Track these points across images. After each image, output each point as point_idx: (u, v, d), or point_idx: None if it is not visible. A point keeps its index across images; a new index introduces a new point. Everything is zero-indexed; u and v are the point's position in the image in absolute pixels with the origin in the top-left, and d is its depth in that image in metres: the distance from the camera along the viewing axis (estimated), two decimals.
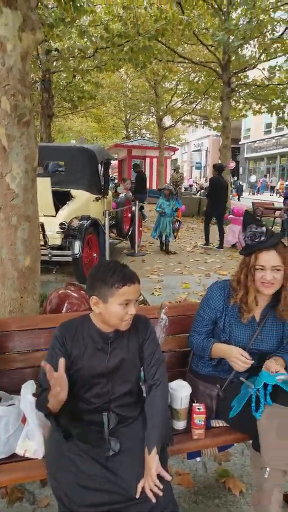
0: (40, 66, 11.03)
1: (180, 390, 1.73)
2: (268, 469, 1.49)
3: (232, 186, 27.18)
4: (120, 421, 1.53)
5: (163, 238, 7.59)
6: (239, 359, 1.65)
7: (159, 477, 1.38)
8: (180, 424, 1.75)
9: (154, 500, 1.34)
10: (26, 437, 1.54)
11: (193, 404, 1.71)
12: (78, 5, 6.48)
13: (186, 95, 18.46)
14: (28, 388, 1.63)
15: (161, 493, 1.35)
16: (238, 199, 24.99)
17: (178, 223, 7.89)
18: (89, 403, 1.53)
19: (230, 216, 8.61)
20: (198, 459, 2.12)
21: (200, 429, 1.69)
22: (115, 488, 1.38)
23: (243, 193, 27.44)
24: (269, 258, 1.67)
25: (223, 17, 11.29)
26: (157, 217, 7.65)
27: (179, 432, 1.73)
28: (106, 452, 1.44)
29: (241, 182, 28.89)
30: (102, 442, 1.47)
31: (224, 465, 2.15)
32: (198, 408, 1.69)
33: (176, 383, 1.79)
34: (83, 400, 1.54)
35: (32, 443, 1.53)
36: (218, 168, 8.43)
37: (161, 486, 1.36)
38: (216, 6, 11.21)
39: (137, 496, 1.36)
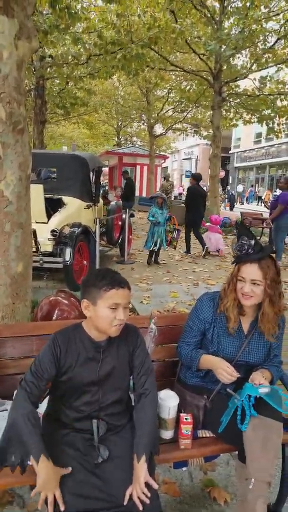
0: (34, 72, 11.07)
1: (168, 400, 1.76)
2: (252, 480, 1.52)
3: (225, 195, 27.25)
4: (109, 429, 1.56)
5: (157, 248, 7.28)
6: (226, 371, 1.68)
7: (147, 485, 1.41)
8: (167, 434, 1.77)
9: (141, 508, 1.37)
10: None
11: (181, 414, 1.73)
12: (73, 12, 6.57)
13: (177, 103, 18.68)
14: None
15: (148, 501, 1.38)
16: (231, 208, 24.34)
17: (176, 232, 7.58)
18: (79, 411, 1.56)
19: (208, 224, 8.96)
20: (184, 468, 2.15)
21: (187, 439, 1.71)
22: (103, 495, 1.40)
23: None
24: (249, 271, 1.71)
25: (215, 26, 11.48)
26: (150, 227, 7.25)
27: (166, 442, 1.75)
28: (95, 459, 1.47)
29: (233, 192, 28.68)
30: (91, 449, 1.50)
31: (210, 475, 2.18)
32: (186, 418, 1.71)
33: (164, 393, 1.81)
34: (73, 408, 1.56)
35: None
36: (196, 177, 8.67)
37: (149, 494, 1.39)
38: (209, 15, 11.40)
39: (125, 503, 1.39)
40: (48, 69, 11.17)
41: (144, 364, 1.62)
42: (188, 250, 8.71)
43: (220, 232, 9.10)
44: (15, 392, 1.66)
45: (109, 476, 1.44)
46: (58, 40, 9.04)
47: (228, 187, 28.48)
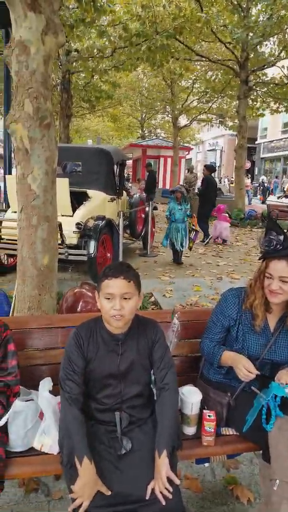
0: (60, 67, 11.15)
1: (191, 396, 1.77)
2: (277, 481, 1.49)
3: (260, 187, 26.16)
4: (132, 422, 1.58)
5: (175, 247, 6.72)
6: (244, 366, 1.66)
7: (169, 480, 1.43)
8: (190, 430, 1.78)
9: (163, 503, 1.39)
10: (43, 432, 1.61)
11: (204, 411, 1.73)
12: (99, 5, 6.56)
13: (202, 93, 18.39)
14: (46, 385, 1.70)
15: (170, 496, 1.39)
16: (263, 201, 22.40)
17: (194, 232, 6.94)
18: (101, 403, 1.59)
19: (215, 213, 9.22)
20: (206, 464, 2.15)
21: (210, 436, 1.71)
22: (124, 488, 1.42)
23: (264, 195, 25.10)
24: (278, 268, 1.67)
25: (242, 14, 11.20)
26: (169, 223, 6.82)
27: (189, 438, 1.76)
28: (118, 451, 1.50)
29: (266, 183, 26.18)
30: (114, 441, 1.53)
31: (233, 472, 2.18)
32: (209, 415, 1.71)
33: (187, 388, 1.82)
34: (96, 400, 1.60)
35: (48, 439, 1.60)
36: (209, 168, 9.06)
37: (171, 489, 1.40)
38: (235, 2, 11.12)
39: (147, 497, 1.41)
40: (74, 63, 11.22)
41: (164, 358, 1.63)
42: (206, 238, 8.90)
43: (228, 221, 9.42)
44: (41, 382, 1.72)
45: (131, 470, 1.47)
46: (84, 34, 9.07)
47: (263, 178, 26.96)
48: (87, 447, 1.43)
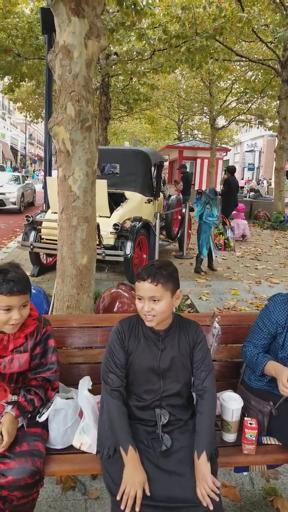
0: (100, 70, 11.33)
1: (232, 402, 1.73)
2: None
3: None
4: (171, 422, 1.57)
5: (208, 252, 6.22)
6: (284, 385, 1.59)
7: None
8: (230, 437, 1.74)
9: (211, 507, 1.36)
10: (82, 431, 1.62)
11: (245, 418, 1.69)
12: (139, 8, 6.60)
13: (241, 94, 18.09)
14: (85, 384, 1.71)
15: (217, 499, 1.38)
16: None
17: (230, 230, 6.52)
18: (141, 399, 1.60)
19: (234, 212, 9.53)
20: (245, 473, 2.10)
21: (251, 445, 1.66)
22: (165, 489, 1.41)
23: None
24: None
25: (284, 12, 10.92)
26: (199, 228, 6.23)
27: (229, 445, 1.72)
28: (158, 449, 1.49)
29: None
30: (153, 441, 1.53)
31: (272, 483, 2.10)
32: (250, 423, 1.66)
33: (227, 394, 1.78)
34: (136, 395, 1.60)
35: (87, 438, 1.61)
36: (230, 170, 9.33)
37: (218, 492, 1.39)
38: (278, 1, 10.87)
39: (201, 500, 1.38)
40: (113, 67, 11.37)
41: (205, 360, 1.63)
42: None
43: (244, 219, 9.92)
44: (81, 381, 1.73)
45: (173, 469, 1.45)
46: (124, 37, 9.16)
47: None
48: (132, 438, 1.46)
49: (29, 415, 1.62)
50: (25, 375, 1.68)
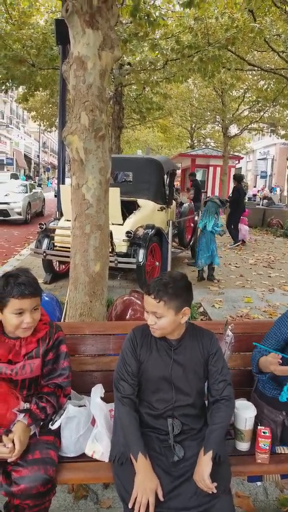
0: (113, 80, 11.47)
1: (245, 411, 1.71)
2: None
3: None
4: (184, 431, 1.56)
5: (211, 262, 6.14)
6: (272, 362, 1.65)
7: (224, 491, 1.41)
8: (243, 446, 1.72)
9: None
10: (94, 439, 1.61)
11: (259, 427, 1.67)
12: (152, 19, 6.69)
13: (254, 103, 18.10)
14: (98, 391, 1.71)
15: (215, 490, 1.38)
16: None
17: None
18: (153, 408, 1.59)
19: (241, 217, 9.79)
20: (258, 483, 2.07)
21: (264, 454, 1.64)
22: (177, 500, 1.40)
23: None
24: None
25: None
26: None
27: (242, 454, 1.70)
28: (170, 458, 1.48)
29: None
30: (166, 449, 1.52)
31: (287, 493, 2.07)
32: (264, 432, 1.64)
33: (241, 402, 1.77)
34: (148, 403, 1.60)
35: (100, 446, 1.60)
36: (238, 178, 9.83)
37: (215, 490, 1.38)
38: None
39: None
40: (126, 76, 11.49)
41: (223, 371, 1.61)
42: (236, 241, 9.54)
43: (247, 224, 10.19)
44: (93, 388, 1.73)
45: (185, 478, 1.44)
46: (137, 47, 9.26)
47: None
48: (143, 444, 1.46)
49: (41, 423, 1.62)
50: (37, 381, 1.69)
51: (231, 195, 9.93)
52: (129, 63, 10.32)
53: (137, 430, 1.50)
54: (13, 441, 1.47)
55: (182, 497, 1.40)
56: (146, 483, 1.38)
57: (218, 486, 1.40)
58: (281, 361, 1.65)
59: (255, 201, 23.09)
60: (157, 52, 9.02)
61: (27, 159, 44.86)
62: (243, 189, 9.92)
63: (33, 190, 14.08)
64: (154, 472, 1.42)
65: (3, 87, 11.69)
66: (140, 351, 1.61)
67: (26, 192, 13.58)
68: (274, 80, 14.39)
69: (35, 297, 1.58)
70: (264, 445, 1.63)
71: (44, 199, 16.04)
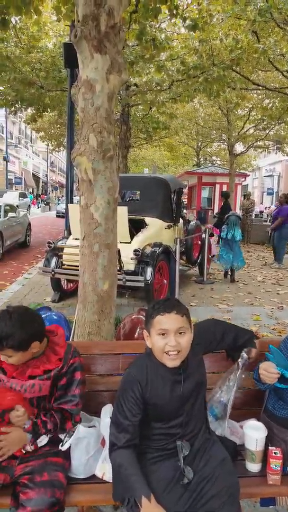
0: (120, 101, 11.72)
1: (256, 432, 1.69)
2: None
3: None
4: (198, 449, 1.54)
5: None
6: (265, 370, 1.65)
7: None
8: (254, 467, 1.70)
9: None
10: (104, 460, 1.60)
11: (269, 448, 1.65)
12: (158, 43, 6.87)
13: (259, 121, 18.31)
14: (107, 412, 1.70)
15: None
16: None
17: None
18: (163, 435, 1.55)
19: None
20: (271, 507, 2.02)
21: (276, 475, 1.62)
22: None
23: None
24: None
25: None
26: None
27: (253, 475, 1.67)
28: (181, 481, 1.46)
29: None
30: (175, 472, 1.48)
31: None
32: (275, 453, 1.62)
33: (251, 423, 1.75)
34: (157, 430, 1.56)
35: (110, 467, 1.58)
36: (224, 195, 10.96)
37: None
38: None
39: None
40: (133, 97, 11.73)
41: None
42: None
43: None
44: (103, 409, 1.72)
45: (202, 493, 1.42)
46: (143, 69, 9.49)
47: None
48: (144, 484, 1.39)
49: (36, 439, 1.60)
50: (45, 402, 1.68)
51: (220, 210, 10.87)
52: (135, 84, 10.55)
53: (137, 470, 1.42)
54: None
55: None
56: None
57: (223, 496, 1.39)
58: (275, 375, 1.64)
59: (262, 217, 23.09)
60: (163, 73, 9.22)
61: (35, 178, 45.57)
62: (229, 206, 10.99)
63: (10, 214, 10.11)
64: (158, 504, 1.37)
65: (13, 109, 12.00)
66: (146, 391, 1.50)
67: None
68: (278, 98, 14.58)
69: (16, 351, 1.57)
70: (276, 466, 1.61)
71: (29, 224, 12.06)
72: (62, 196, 43.33)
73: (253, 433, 1.68)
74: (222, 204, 10.70)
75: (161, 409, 1.52)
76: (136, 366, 1.56)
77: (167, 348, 1.44)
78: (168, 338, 1.43)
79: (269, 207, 28.31)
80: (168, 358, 1.45)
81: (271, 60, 11.42)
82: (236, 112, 19.07)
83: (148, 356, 1.56)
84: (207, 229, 7.65)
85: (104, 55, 2.96)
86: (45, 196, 40.63)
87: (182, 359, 1.49)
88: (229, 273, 7.63)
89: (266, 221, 17.99)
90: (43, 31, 10.50)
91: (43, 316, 3.48)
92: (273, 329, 4.74)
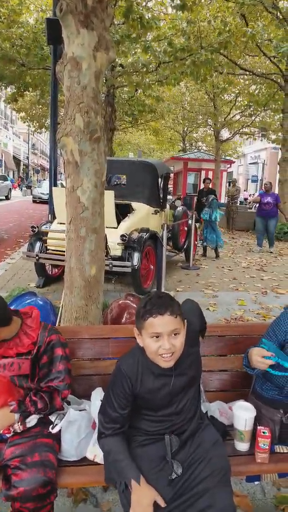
0: (105, 81, 11.49)
1: (245, 412, 1.71)
2: None
3: None
4: (191, 434, 1.53)
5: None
6: (258, 355, 1.64)
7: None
8: (243, 446, 1.73)
9: None
10: (95, 443, 1.59)
11: (258, 427, 1.67)
12: (145, 22, 6.72)
13: (245, 107, 18.28)
14: (98, 395, 1.70)
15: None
16: None
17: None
18: (154, 422, 1.53)
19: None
20: (256, 482, 2.07)
21: (264, 453, 1.65)
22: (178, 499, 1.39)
23: None
24: None
25: (287, 28, 11.08)
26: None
27: (242, 454, 1.71)
28: (169, 475, 1.44)
29: None
30: (163, 465, 1.47)
31: (284, 492, 2.08)
32: (263, 432, 1.65)
33: (240, 404, 1.77)
34: (148, 416, 1.54)
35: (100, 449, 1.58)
36: (205, 181, 10.74)
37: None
38: (281, 17, 11.03)
39: None
40: (118, 78, 11.50)
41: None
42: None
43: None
44: (93, 392, 1.71)
45: (195, 474, 1.43)
46: (129, 49, 9.29)
47: None
48: (133, 467, 1.39)
49: (25, 418, 1.59)
50: (28, 381, 1.64)
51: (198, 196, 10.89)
52: (121, 65, 10.34)
53: (127, 455, 1.42)
54: None
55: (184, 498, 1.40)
56: (141, 499, 1.34)
57: (216, 476, 1.40)
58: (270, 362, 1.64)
59: (246, 205, 23.20)
60: (149, 54, 9.06)
61: (16, 160, 44.58)
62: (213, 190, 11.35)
63: None
64: (149, 485, 1.37)
65: None
66: (137, 385, 1.47)
67: None
68: (265, 85, 14.59)
69: None
70: (264, 445, 1.64)
71: None
72: (44, 179, 42.56)
73: (243, 413, 1.70)
74: (204, 189, 10.71)
75: (152, 402, 1.50)
76: (128, 360, 1.51)
77: (161, 351, 1.38)
78: (161, 341, 1.37)
79: (253, 194, 28.48)
80: (162, 359, 1.40)
81: (258, 45, 11.35)
82: (222, 97, 19.00)
83: (140, 351, 1.50)
84: (193, 215, 7.64)
85: (91, 31, 2.84)
86: (27, 179, 39.71)
87: (176, 359, 1.44)
88: (215, 252, 8.45)
89: (251, 208, 18.10)
90: (24, 4, 10.04)
91: (28, 301, 3.44)
92: (257, 314, 4.80)
